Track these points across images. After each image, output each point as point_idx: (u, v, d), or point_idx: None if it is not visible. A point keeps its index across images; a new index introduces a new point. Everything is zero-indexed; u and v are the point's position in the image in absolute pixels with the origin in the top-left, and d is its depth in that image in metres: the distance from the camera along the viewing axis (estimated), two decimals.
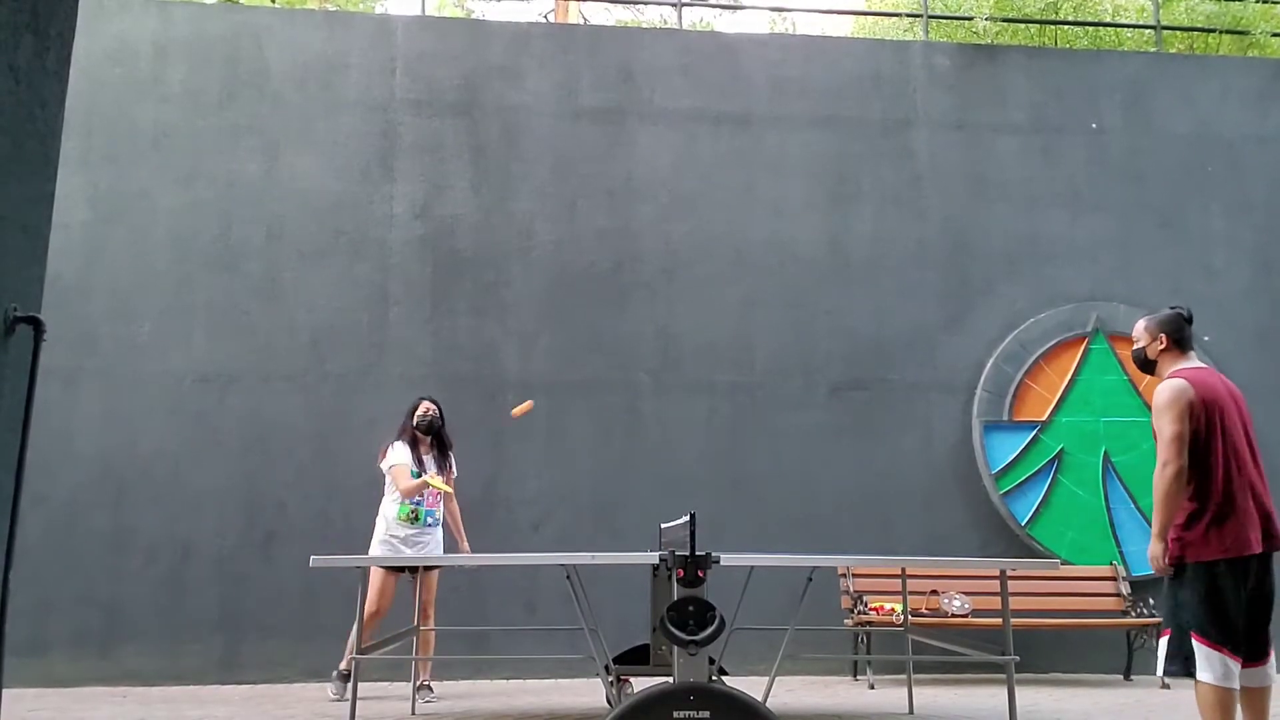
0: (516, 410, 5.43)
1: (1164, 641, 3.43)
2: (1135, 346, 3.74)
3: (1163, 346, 3.64)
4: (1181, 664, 3.35)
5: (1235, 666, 3.27)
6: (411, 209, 6.91)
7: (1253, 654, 3.35)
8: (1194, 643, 3.31)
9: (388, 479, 5.49)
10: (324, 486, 6.44)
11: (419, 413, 5.58)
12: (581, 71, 7.22)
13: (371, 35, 7.09)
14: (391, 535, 5.39)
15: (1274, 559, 3.41)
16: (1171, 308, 3.73)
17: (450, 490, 5.61)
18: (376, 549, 5.43)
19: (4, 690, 1.92)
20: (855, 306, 7.09)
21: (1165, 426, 3.43)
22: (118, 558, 6.18)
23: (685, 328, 6.94)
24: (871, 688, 6.02)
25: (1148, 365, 3.70)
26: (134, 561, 6.19)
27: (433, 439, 5.58)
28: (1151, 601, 6.43)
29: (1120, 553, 6.73)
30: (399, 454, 5.46)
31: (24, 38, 1.71)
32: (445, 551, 5.60)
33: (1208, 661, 3.28)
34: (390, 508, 5.45)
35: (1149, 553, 3.48)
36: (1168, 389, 3.49)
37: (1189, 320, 3.66)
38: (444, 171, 6.98)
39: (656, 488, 6.64)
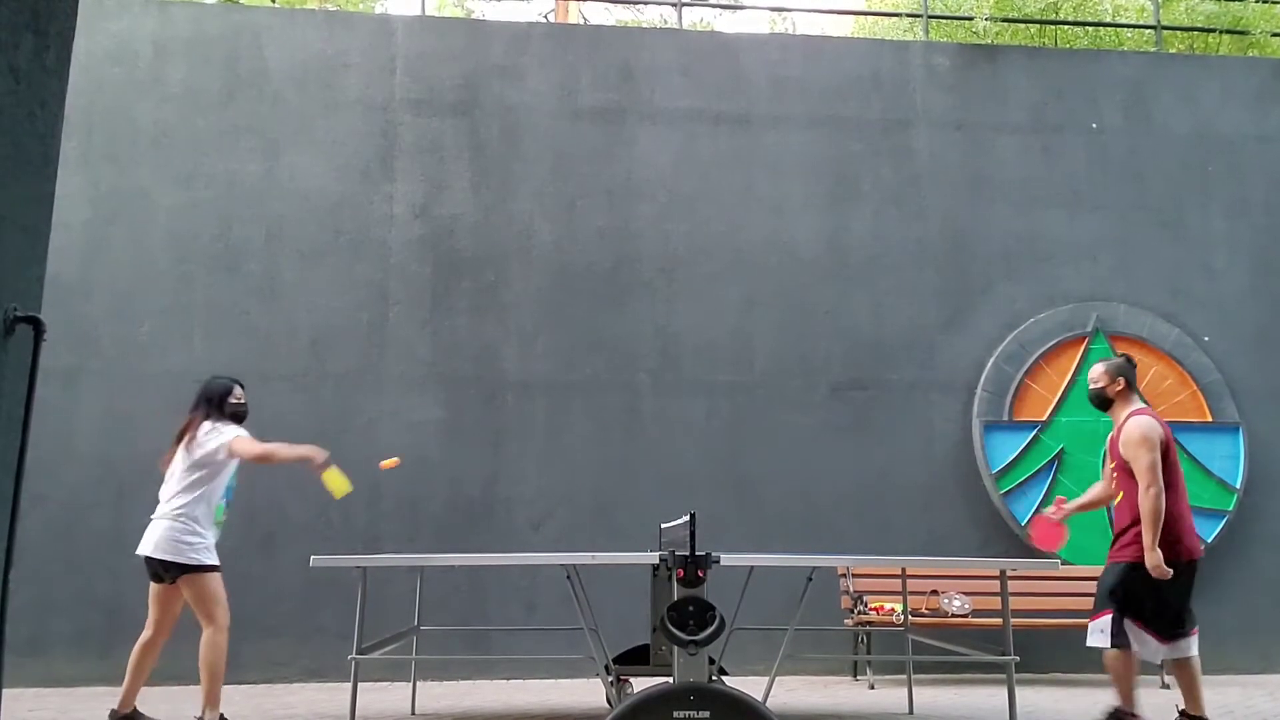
0: (384, 464, 4.96)
1: (1107, 620, 4.12)
2: (1096, 386, 4.44)
3: (1119, 388, 4.38)
4: (1113, 637, 4.09)
5: (1153, 643, 4.10)
6: (411, 209, 6.90)
7: (1175, 634, 4.11)
8: (1127, 623, 4.08)
9: (204, 468, 4.37)
10: (323, 487, 6.42)
11: (233, 399, 4.51)
12: (581, 71, 7.22)
13: (371, 35, 7.09)
14: (211, 540, 4.51)
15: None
16: (1119, 355, 4.58)
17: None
18: (207, 556, 4.49)
19: (4, 690, 1.92)
20: (855, 306, 7.09)
21: (1144, 456, 4.11)
22: (118, 558, 6.17)
23: (685, 328, 6.94)
24: (871, 688, 6.03)
25: (1105, 403, 4.42)
26: (134, 561, 6.13)
27: None
28: None
29: None
30: (233, 426, 4.45)
31: (24, 38, 1.71)
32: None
33: (1135, 637, 4.09)
34: (209, 502, 4.46)
35: (1150, 562, 4.07)
36: (1143, 425, 4.18)
37: (1134, 367, 4.47)
38: (444, 171, 6.98)
39: (656, 488, 6.64)
